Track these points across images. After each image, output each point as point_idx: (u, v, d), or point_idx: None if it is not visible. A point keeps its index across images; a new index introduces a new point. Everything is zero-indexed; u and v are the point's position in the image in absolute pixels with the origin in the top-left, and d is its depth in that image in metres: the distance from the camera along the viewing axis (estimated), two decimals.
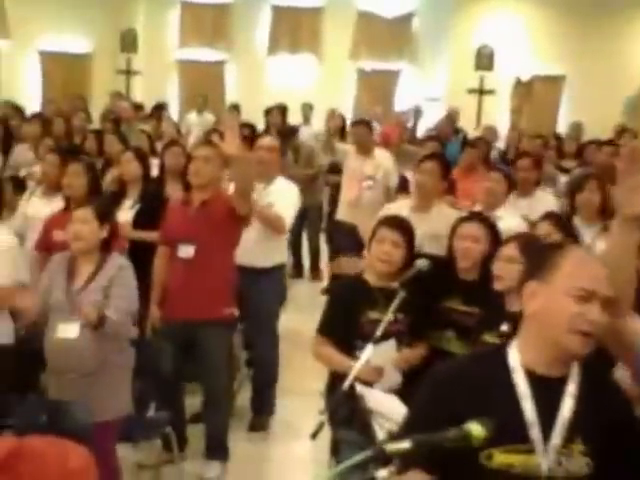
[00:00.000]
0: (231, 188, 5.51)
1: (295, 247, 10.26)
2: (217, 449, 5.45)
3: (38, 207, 6.34)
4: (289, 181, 6.24)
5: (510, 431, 2.26)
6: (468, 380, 2.36)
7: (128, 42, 16.44)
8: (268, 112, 11.81)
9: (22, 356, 4.71)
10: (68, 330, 4.28)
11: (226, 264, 5.30)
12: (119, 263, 4.46)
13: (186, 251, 5.10)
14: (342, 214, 8.55)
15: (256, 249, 5.76)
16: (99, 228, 4.45)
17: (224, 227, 5.17)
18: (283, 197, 5.90)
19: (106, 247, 4.50)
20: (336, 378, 4.06)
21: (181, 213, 5.23)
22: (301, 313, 7.82)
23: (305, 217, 9.69)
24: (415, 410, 2.51)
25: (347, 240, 7.97)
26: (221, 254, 5.23)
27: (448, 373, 2.45)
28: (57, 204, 6.10)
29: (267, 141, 6.13)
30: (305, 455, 5.65)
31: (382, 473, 1.94)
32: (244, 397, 6.34)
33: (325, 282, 9.58)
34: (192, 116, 14.25)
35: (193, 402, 5.73)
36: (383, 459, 1.97)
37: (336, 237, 8.90)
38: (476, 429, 2.00)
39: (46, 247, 5.59)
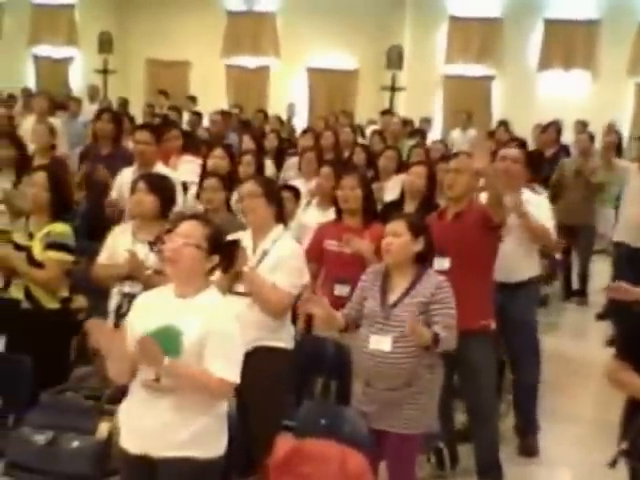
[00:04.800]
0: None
1: (565, 268, 9.75)
2: (490, 468, 5.24)
3: (313, 217, 6.38)
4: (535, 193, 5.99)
5: None
6: None
7: (393, 59, 16.44)
8: (545, 129, 11.31)
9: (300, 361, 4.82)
10: (381, 342, 4.23)
11: (483, 275, 5.15)
12: (437, 280, 4.32)
13: (441, 264, 4.92)
14: (623, 235, 8.05)
15: (511, 263, 5.54)
16: (412, 241, 4.32)
17: (479, 237, 5.01)
18: (537, 208, 5.66)
19: (421, 261, 4.37)
20: (636, 405, 3.77)
21: (435, 226, 5.00)
22: (571, 338, 7.63)
23: (575, 236, 9.25)
24: None
25: (628, 264, 7.49)
26: (477, 265, 5.07)
27: None
28: (332, 215, 6.01)
29: (512, 152, 5.87)
30: None
31: None
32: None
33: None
34: (456, 133, 13.99)
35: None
36: None
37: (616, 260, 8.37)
38: None
39: (316, 255, 5.57)
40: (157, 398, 3.41)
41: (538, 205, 5.69)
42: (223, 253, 3.61)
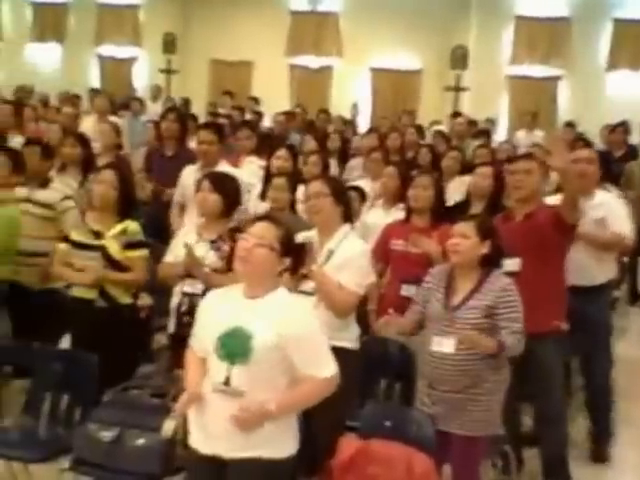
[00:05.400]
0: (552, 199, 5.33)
1: (632, 271, 9.54)
2: (558, 472, 5.16)
3: (378, 217, 6.33)
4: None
5: None
6: None
7: (458, 59, 16.31)
8: (613, 130, 11.11)
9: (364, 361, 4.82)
10: (444, 344, 4.23)
11: (555, 276, 5.07)
12: (503, 283, 4.27)
13: (511, 265, 4.85)
14: None
15: (587, 266, 5.49)
16: (480, 244, 4.31)
17: (551, 237, 4.93)
18: (612, 211, 5.57)
19: (487, 264, 4.35)
20: None
21: (504, 227, 4.95)
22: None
23: None
24: None
25: None
26: (549, 266, 5.00)
27: None
28: (396, 215, 6.08)
29: (586, 153, 5.77)
30: None
31: None
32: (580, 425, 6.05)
33: None
34: (521, 134, 13.81)
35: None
36: None
37: None
38: None
39: (382, 255, 5.59)
40: (226, 400, 3.39)
41: (613, 208, 5.59)
42: (294, 255, 3.58)
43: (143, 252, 5.11)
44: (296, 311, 3.51)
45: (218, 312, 3.52)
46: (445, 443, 4.23)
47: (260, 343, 3.36)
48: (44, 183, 6.22)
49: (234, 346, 3.36)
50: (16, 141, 7.70)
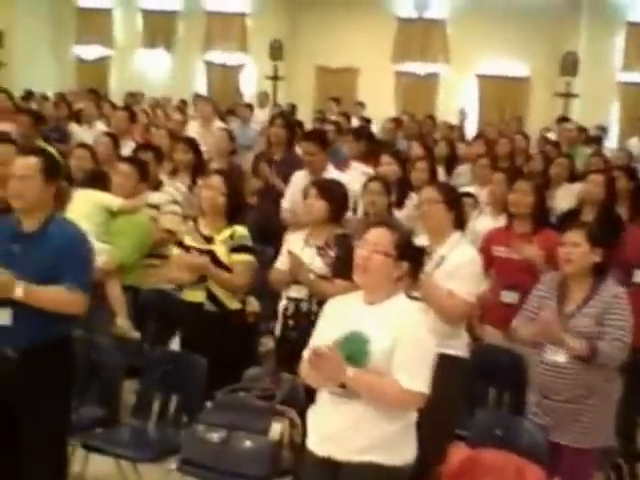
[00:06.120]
0: None
1: None
2: None
3: (487, 224, 6.26)
4: None
5: None
6: None
7: (568, 65, 16.04)
8: None
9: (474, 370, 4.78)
10: (558, 353, 4.18)
11: None
12: (614, 291, 4.24)
13: None
14: None
15: None
16: (591, 252, 4.26)
17: None
18: None
19: (599, 272, 4.29)
20: None
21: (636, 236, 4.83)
22: None
23: None
24: None
25: None
26: None
27: None
28: (503, 223, 5.95)
29: None
30: None
31: None
32: None
33: None
34: (634, 141, 13.45)
35: None
36: None
37: None
38: None
39: (486, 262, 5.41)
40: (342, 403, 3.39)
41: None
42: (412, 259, 3.54)
43: (247, 257, 5.12)
44: (413, 316, 3.47)
45: (337, 317, 3.52)
46: (556, 454, 4.16)
47: (377, 347, 3.34)
48: (156, 186, 6.34)
49: (352, 349, 3.34)
50: (129, 146, 7.85)
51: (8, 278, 3.76)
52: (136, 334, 5.54)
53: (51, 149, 6.66)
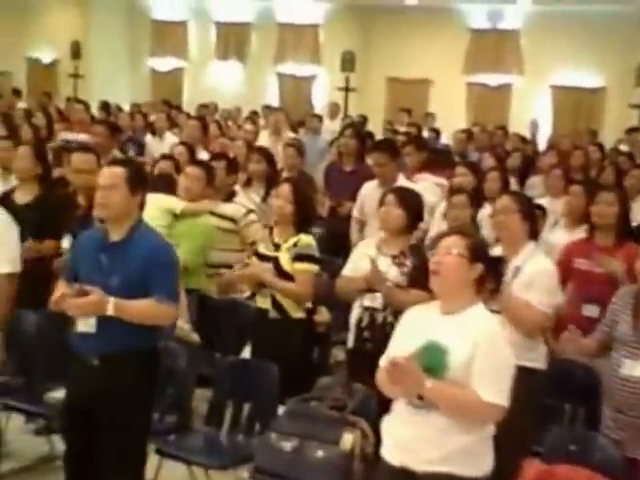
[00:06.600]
0: None
1: None
2: None
3: (561, 237, 6.19)
4: None
5: None
6: None
7: None
8: None
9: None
10: (634, 368, 4.10)
11: None
12: None
13: None
14: None
15: None
16: None
17: None
18: None
19: None
20: None
21: None
22: None
23: None
24: None
25: None
26: None
27: None
28: (580, 235, 5.87)
29: None
30: None
31: None
32: None
33: None
34: None
35: None
36: None
37: None
38: None
39: (566, 274, 5.36)
40: (418, 413, 3.37)
41: None
42: (488, 264, 3.51)
43: (309, 266, 5.09)
44: (491, 326, 3.44)
45: (414, 327, 3.50)
46: (632, 470, 4.07)
47: (455, 358, 3.32)
48: (229, 197, 6.38)
49: (430, 361, 3.32)
50: (202, 156, 7.93)
51: (99, 298, 3.80)
52: (196, 337, 5.57)
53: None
